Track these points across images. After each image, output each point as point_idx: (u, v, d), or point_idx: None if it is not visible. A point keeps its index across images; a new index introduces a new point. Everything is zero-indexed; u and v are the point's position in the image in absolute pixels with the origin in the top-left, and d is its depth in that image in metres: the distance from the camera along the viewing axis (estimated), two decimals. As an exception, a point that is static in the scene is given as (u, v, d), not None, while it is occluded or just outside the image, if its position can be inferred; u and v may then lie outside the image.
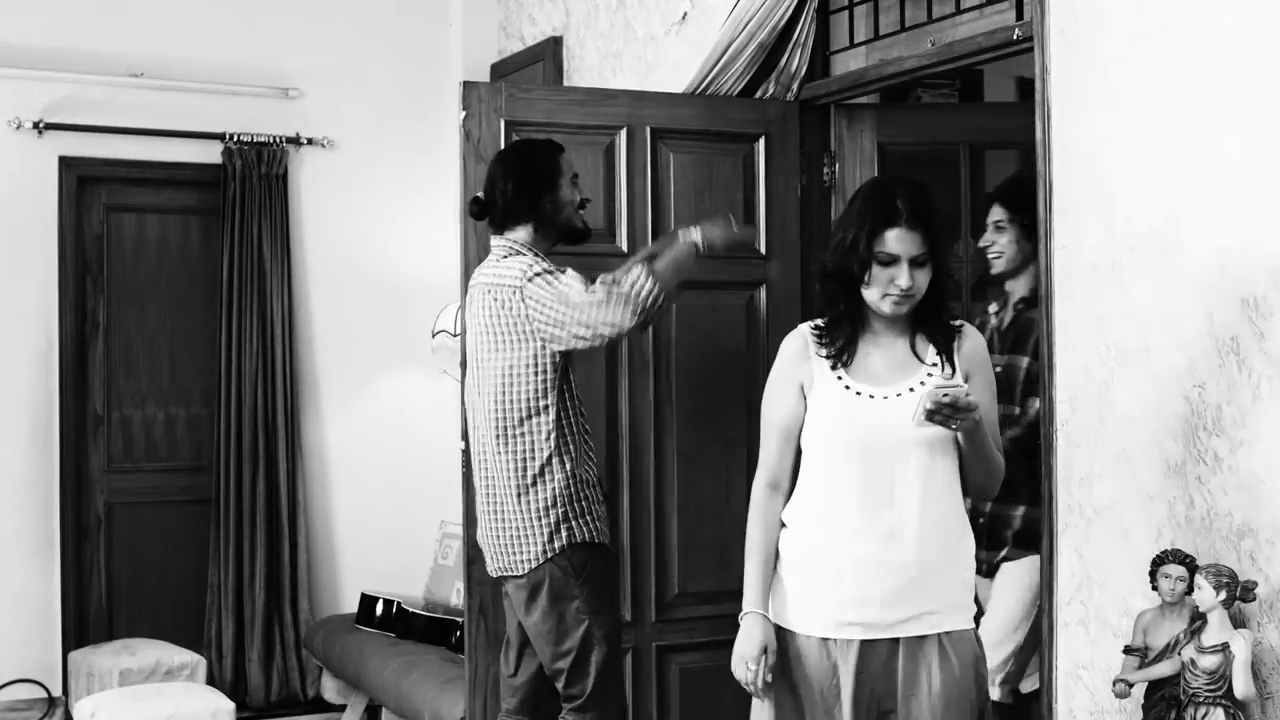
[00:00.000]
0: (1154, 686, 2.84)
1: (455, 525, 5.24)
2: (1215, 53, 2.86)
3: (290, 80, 5.56)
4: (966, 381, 2.57)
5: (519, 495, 3.26)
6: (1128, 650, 2.89)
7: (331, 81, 5.61)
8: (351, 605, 5.38)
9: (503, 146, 3.70)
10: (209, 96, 5.42)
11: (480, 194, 3.45)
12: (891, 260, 2.50)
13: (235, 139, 5.39)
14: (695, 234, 3.36)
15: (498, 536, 3.33)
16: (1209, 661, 2.72)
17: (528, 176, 3.36)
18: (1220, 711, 2.72)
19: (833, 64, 4.13)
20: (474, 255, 3.71)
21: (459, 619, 4.75)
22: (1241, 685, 2.69)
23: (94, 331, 5.40)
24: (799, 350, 2.65)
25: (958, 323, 2.66)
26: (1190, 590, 2.78)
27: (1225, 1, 2.85)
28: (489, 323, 3.32)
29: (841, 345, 2.60)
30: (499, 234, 3.41)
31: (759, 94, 4.08)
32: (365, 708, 5.16)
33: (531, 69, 5.26)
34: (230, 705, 4.55)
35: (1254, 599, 2.74)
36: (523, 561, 3.27)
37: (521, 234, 3.37)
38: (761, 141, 4.04)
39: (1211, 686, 2.72)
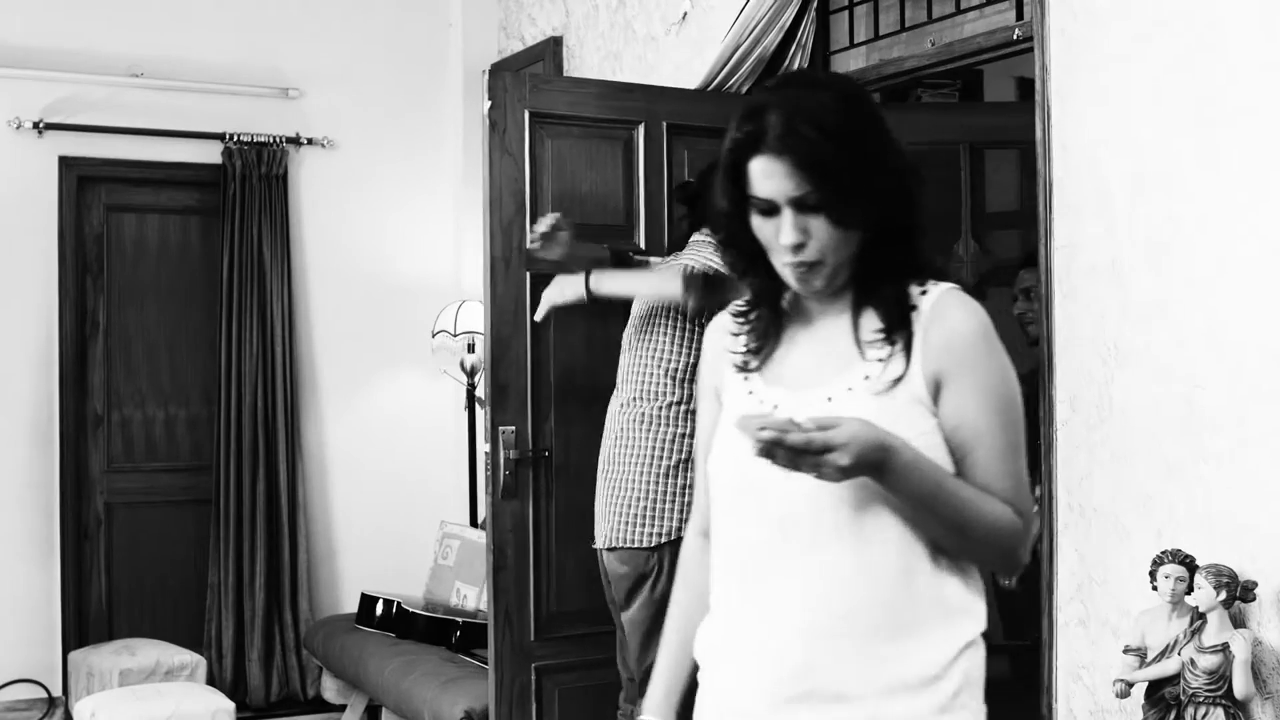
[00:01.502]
0: (1154, 686, 2.84)
1: (455, 525, 5.24)
2: (1215, 53, 2.86)
3: (290, 80, 5.56)
4: (939, 388, 1.67)
5: (662, 472, 3.32)
6: (1128, 650, 2.89)
7: (331, 81, 5.61)
8: (351, 605, 5.37)
9: (526, 137, 3.69)
10: (209, 96, 5.42)
11: (691, 180, 3.47)
12: (769, 207, 1.67)
13: (235, 139, 5.39)
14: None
15: (628, 507, 3.34)
16: (1209, 661, 2.72)
17: None
18: (1220, 711, 2.72)
19: (833, 64, 4.13)
20: (499, 252, 3.68)
21: (459, 619, 4.76)
22: (1241, 685, 2.69)
23: (94, 331, 5.40)
24: (715, 343, 1.88)
25: (923, 288, 1.72)
26: (1190, 590, 2.78)
27: (1225, 1, 2.85)
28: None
29: (758, 335, 1.81)
30: (698, 228, 3.42)
31: (761, 94, 4.09)
32: (365, 708, 5.15)
33: (531, 69, 5.26)
34: (230, 705, 4.55)
35: (1254, 599, 2.74)
36: (651, 534, 3.31)
37: None
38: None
39: (1211, 686, 2.72)
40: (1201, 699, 2.73)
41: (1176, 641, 2.79)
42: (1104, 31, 3.11)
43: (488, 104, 3.69)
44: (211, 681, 5.14)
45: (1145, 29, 3.01)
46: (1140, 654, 2.87)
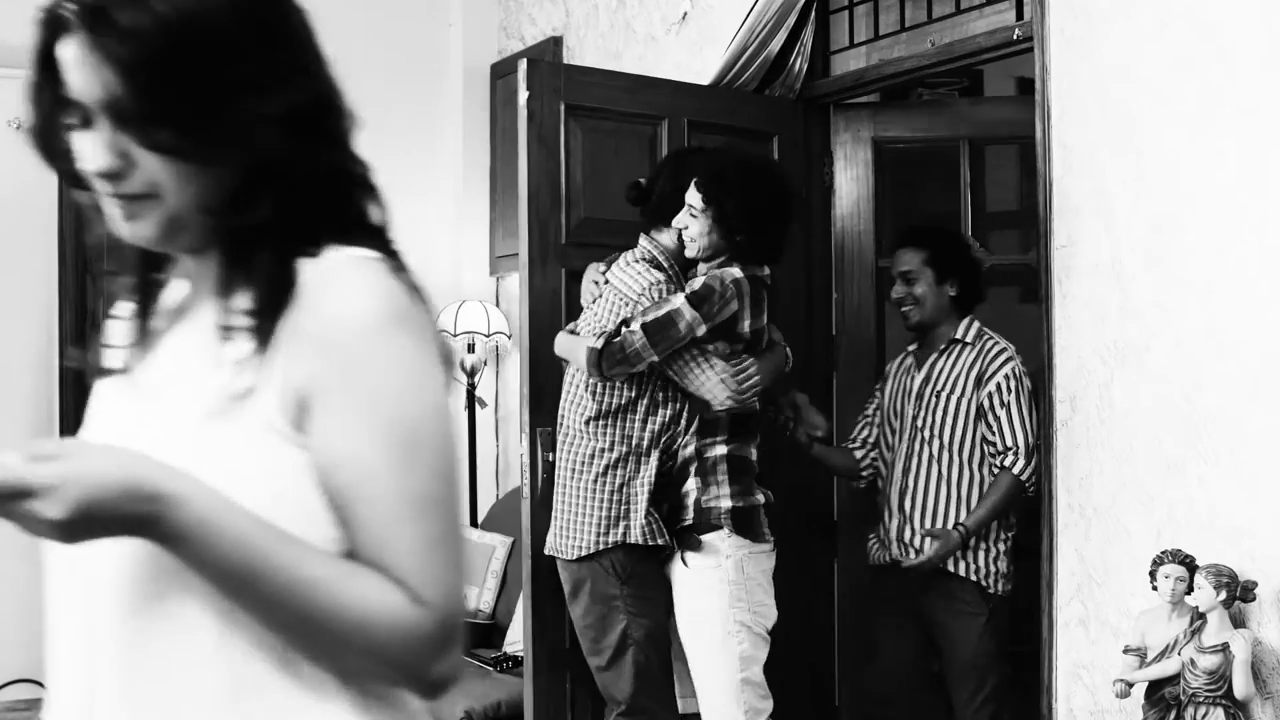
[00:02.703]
0: (1154, 686, 2.84)
1: (455, 525, 5.24)
2: (1215, 53, 2.86)
3: (290, 80, 5.55)
4: (306, 408, 1.11)
5: (588, 483, 3.31)
6: (1128, 650, 2.89)
7: (331, 81, 5.61)
8: (352, 605, 5.37)
9: (562, 128, 3.64)
10: (209, 96, 5.42)
11: (642, 180, 3.45)
12: (85, 115, 1.18)
13: (235, 139, 5.39)
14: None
15: (557, 516, 3.37)
16: (1209, 661, 2.72)
17: None
18: (1220, 711, 2.72)
19: (833, 64, 4.13)
20: (536, 250, 3.61)
21: (459, 619, 4.76)
22: (1241, 685, 2.69)
23: (94, 332, 5.38)
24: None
25: (316, 257, 1.14)
26: (1190, 590, 2.78)
27: (1225, 1, 2.85)
28: (597, 314, 3.35)
29: (133, 317, 1.30)
30: (647, 231, 3.41)
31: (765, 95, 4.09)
32: (365, 708, 5.16)
33: (531, 69, 5.26)
34: (230, 705, 4.54)
35: (1254, 599, 2.74)
36: (573, 547, 3.31)
37: (668, 237, 3.37)
38: (775, 140, 4.03)
39: (1211, 686, 2.72)
40: (1201, 699, 2.73)
41: (1176, 641, 2.79)
42: (1104, 31, 3.11)
43: (525, 94, 3.60)
44: (211, 681, 5.13)
45: (1146, 29, 3.01)
46: (1140, 654, 2.87)
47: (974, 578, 3.43)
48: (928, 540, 3.43)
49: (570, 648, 3.59)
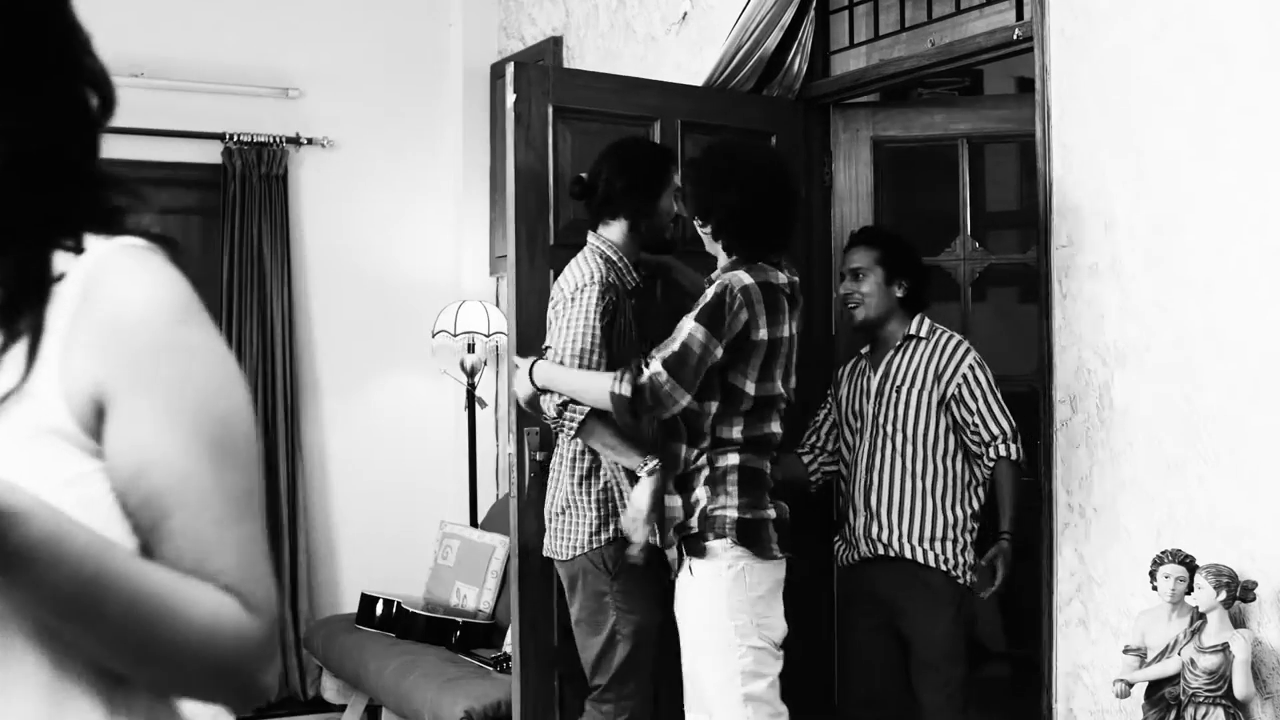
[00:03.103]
0: (1154, 686, 2.84)
1: (455, 525, 5.24)
2: (1215, 53, 2.86)
3: (290, 80, 5.56)
4: (102, 411, 1.03)
5: (575, 485, 3.34)
6: (1128, 650, 2.89)
7: (331, 81, 5.61)
8: (351, 605, 5.37)
9: (550, 130, 3.65)
10: (209, 96, 5.42)
11: (584, 175, 3.46)
12: None
13: (235, 139, 5.39)
14: (639, 488, 3.19)
15: (551, 519, 3.41)
16: (1209, 661, 2.72)
17: (637, 178, 3.38)
18: (1220, 711, 2.72)
19: (833, 64, 4.13)
20: (524, 251, 3.63)
21: (459, 619, 4.76)
22: (1241, 685, 2.69)
23: None
24: None
25: (77, 247, 1.08)
26: (1190, 590, 2.78)
27: (1225, 1, 2.85)
28: (555, 325, 3.35)
29: None
30: (594, 227, 3.43)
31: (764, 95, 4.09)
32: (365, 708, 5.16)
33: (531, 69, 5.26)
34: (230, 705, 4.55)
35: (1254, 599, 2.74)
36: (567, 547, 3.35)
37: (614, 231, 3.39)
38: (773, 140, 4.02)
39: (1211, 686, 2.72)
40: (1201, 699, 2.73)
41: (1176, 641, 2.79)
42: (1104, 31, 3.11)
43: (513, 97, 3.61)
44: (211, 681, 5.12)
45: (1145, 29, 3.01)
46: (1140, 654, 2.87)
47: (943, 568, 3.44)
48: (995, 564, 3.40)
49: (559, 645, 3.60)
